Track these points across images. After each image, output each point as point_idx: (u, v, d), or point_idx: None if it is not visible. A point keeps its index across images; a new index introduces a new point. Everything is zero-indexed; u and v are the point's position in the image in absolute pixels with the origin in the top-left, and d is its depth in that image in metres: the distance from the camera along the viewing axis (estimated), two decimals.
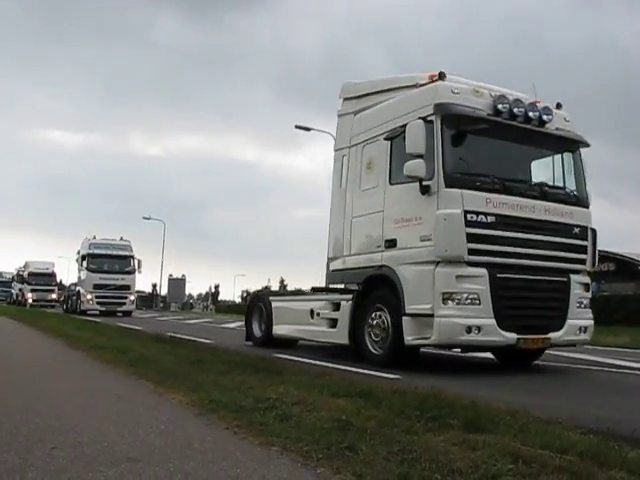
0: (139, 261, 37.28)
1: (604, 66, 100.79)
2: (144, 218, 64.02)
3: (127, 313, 35.20)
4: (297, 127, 37.37)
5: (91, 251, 35.07)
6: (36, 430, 4.39)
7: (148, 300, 77.84)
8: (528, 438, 4.03)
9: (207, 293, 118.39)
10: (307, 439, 3.96)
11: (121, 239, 37.78)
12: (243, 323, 18.79)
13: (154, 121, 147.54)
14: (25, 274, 57.12)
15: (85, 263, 35.05)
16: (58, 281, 60.91)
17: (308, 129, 37.11)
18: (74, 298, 36.68)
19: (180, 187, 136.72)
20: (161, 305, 75.31)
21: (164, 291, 77.05)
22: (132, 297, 36.48)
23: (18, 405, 5.39)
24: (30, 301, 53.65)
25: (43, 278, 56.23)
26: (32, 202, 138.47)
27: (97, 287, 34.02)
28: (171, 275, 76.14)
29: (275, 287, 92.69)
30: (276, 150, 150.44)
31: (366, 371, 8.13)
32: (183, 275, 79.75)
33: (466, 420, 4.48)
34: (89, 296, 33.77)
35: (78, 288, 36.24)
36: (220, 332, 17.60)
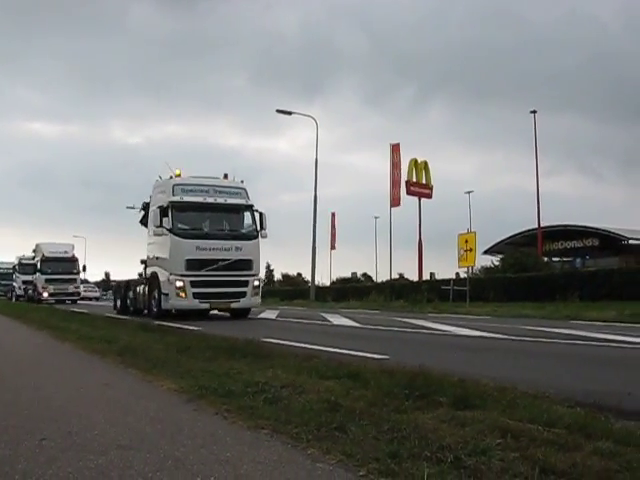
0: None
1: (584, 42, 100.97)
2: (128, 207, 63.48)
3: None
4: (278, 111, 37.31)
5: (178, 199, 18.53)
6: (25, 421, 4.38)
7: None
8: (516, 413, 4.06)
9: None
10: (296, 421, 3.98)
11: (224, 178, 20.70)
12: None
13: (134, 110, 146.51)
14: (37, 260, 45.36)
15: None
16: (81, 268, 47.80)
17: (289, 113, 37.05)
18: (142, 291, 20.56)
19: (163, 175, 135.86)
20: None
21: None
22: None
23: (7, 397, 5.37)
24: (46, 295, 43.10)
25: (62, 264, 44.58)
26: (11, 194, 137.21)
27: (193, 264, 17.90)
28: None
29: (262, 272, 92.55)
30: (258, 135, 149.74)
31: (354, 352, 8.15)
32: None
33: (454, 397, 4.50)
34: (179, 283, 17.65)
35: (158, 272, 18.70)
36: (207, 319, 17.61)
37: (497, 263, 46.57)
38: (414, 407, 4.32)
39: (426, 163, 48.46)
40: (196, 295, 17.77)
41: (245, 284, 18.46)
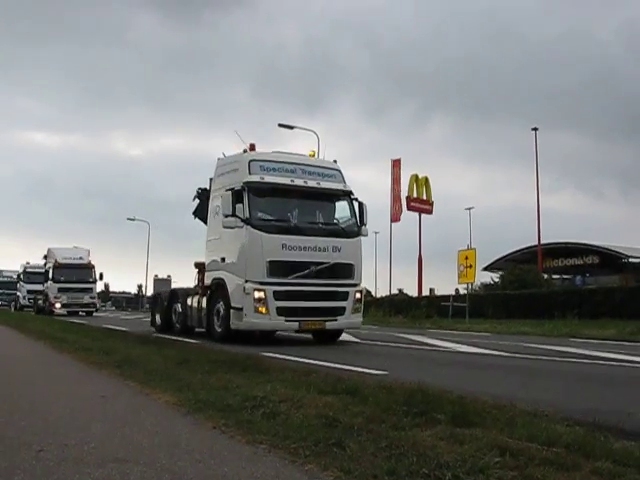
0: None
1: (584, 60, 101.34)
2: (128, 219, 63.76)
3: None
4: (280, 125, 37.35)
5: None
6: (23, 433, 4.36)
7: (134, 301, 77.44)
8: (515, 431, 4.05)
9: None
10: (294, 436, 3.96)
11: None
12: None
13: (135, 121, 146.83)
14: (49, 267, 40.06)
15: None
16: (98, 276, 41.02)
17: (291, 127, 37.11)
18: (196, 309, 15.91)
19: (163, 187, 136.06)
20: (147, 306, 74.88)
21: (150, 292, 76.61)
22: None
23: (4, 408, 5.35)
24: (58, 306, 38.14)
25: (76, 272, 39.28)
26: (12, 203, 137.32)
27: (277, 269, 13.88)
28: (156, 275, 75.51)
29: None
30: (259, 149, 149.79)
31: (352, 367, 8.13)
32: (169, 275, 78.98)
33: (453, 415, 4.49)
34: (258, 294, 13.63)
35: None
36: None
37: (497, 280, 46.65)
38: (412, 424, 4.31)
39: (427, 179, 48.55)
40: (281, 311, 13.05)
41: (344, 297, 13.74)
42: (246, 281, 12.95)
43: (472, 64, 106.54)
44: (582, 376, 8.31)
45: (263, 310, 12.85)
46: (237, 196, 13.31)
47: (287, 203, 14.19)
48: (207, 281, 14.77)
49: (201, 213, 16.49)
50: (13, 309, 51.77)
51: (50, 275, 39.14)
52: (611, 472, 3.26)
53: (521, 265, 47.17)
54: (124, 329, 18.33)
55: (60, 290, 38.41)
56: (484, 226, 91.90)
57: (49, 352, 11.21)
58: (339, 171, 14.78)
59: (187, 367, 7.60)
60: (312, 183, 14.02)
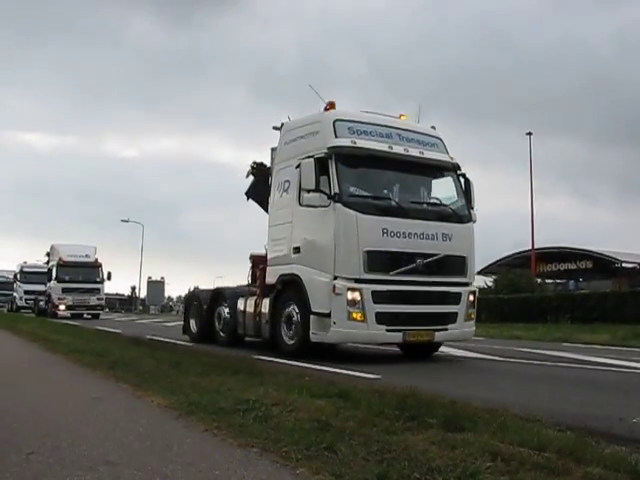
0: None
1: (578, 66, 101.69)
2: (122, 221, 63.72)
3: None
4: (275, 128, 37.29)
5: None
6: (13, 435, 4.35)
7: (127, 303, 77.43)
8: (506, 436, 4.06)
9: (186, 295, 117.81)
10: (286, 440, 3.96)
11: None
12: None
13: (129, 123, 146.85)
14: (53, 266, 36.77)
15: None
16: (106, 276, 37.50)
17: None
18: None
19: (157, 189, 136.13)
20: (140, 308, 74.90)
21: (143, 294, 76.69)
22: None
23: None
24: (62, 308, 34.95)
25: (82, 271, 36.14)
26: (6, 204, 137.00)
27: (377, 261, 10.59)
28: (150, 277, 75.72)
29: None
30: (253, 151, 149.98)
31: (345, 371, 8.13)
32: (162, 277, 79.28)
33: (445, 419, 4.50)
34: (352, 295, 10.08)
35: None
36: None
37: (490, 284, 46.59)
38: (404, 428, 4.31)
39: None
40: (381, 318, 9.89)
41: (456, 299, 10.85)
42: (335, 277, 9.88)
43: (467, 68, 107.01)
44: (574, 381, 8.33)
45: (359, 316, 9.75)
46: (321, 165, 10.23)
47: (384, 176, 11.18)
48: (270, 278, 11.57)
49: (257, 193, 13.63)
50: (6, 310, 50.37)
51: (54, 274, 35.94)
52: (602, 477, 3.27)
53: (515, 269, 47.25)
54: (117, 331, 18.26)
55: (65, 291, 35.12)
56: (477, 230, 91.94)
57: (42, 353, 11.17)
58: (441, 140, 11.73)
59: (180, 369, 7.59)
60: (414, 152, 10.95)
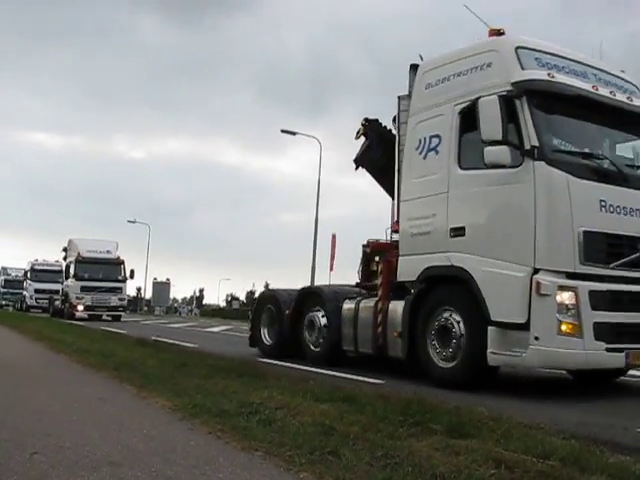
0: None
1: None
2: (129, 221, 63.76)
3: None
4: (283, 131, 37.35)
5: None
6: (17, 434, 4.36)
7: (132, 304, 77.41)
8: (511, 443, 4.04)
9: (192, 297, 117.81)
10: (290, 444, 3.96)
11: None
12: (227, 327, 18.80)
13: (137, 124, 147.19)
14: (71, 262, 33.05)
15: None
16: (129, 274, 33.85)
17: (294, 133, 37.10)
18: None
19: (164, 190, 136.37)
20: (145, 309, 74.85)
21: (148, 295, 76.66)
22: None
23: None
24: (81, 309, 31.32)
25: (103, 268, 32.48)
26: (14, 204, 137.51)
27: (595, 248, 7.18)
28: (155, 279, 75.57)
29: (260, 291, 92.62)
30: (260, 154, 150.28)
31: (349, 376, 8.13)
32: (168, 279, 79.03)
33: (449, 425, 4.48)
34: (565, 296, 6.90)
35: None
36: (204, 336, 17.50)
37: None
38: (408, 434, 4.31)
39: None
40: (600, 330, 6.89)
41: None
42: (536, 270, 6.96)
43: None
44: (578, 388, 8.30)
45: (572, 328, 6.80)
46: (507, 108, 7.20)
47: (589, 127, 8.12)
48: (405, 274, 8.64)
49: (372, 159, 10.98)
50: (13, 309, 49.12)
51: (71, 271, 32.42)
52: None
53: None
54: (122, 331, 18.27)
55: (83, 289, 31.44)
56: None
57: (47, 353, 11.19)
58: (638, 88, 8.70)
59: (184, 372, 7.59)
60: (622, 97, 8.02)
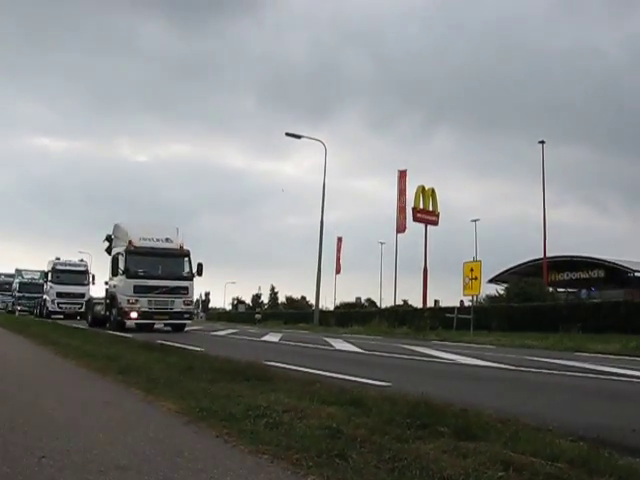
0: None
1: (588, 73, 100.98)
2: None
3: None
4: (288, 135, 37.46)
5: None
6: (25, 438, 4.36)
7: None
8: (519, 446, 4.03)
9: (197, 301, 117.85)
10: (297, 447, 3.95)
11: None
12: (234, 331, 18.85)
13: (141, 128, 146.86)
14: (119, 254, 24.69)
15: None
16: (196, 269, 25.23)
17: (299, 136, 37.19)
18: None
19: (169, 194, 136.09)
20: None
21: None
22: None
23: (7, 414, 5.35)
24: (134, 316, 23.76)
25: (163, 262, 24.72)
26: (17, 207, 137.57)
27: None
28: None
29: (266, 295, 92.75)
30: (264, 157, 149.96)
31: (356, 378, 8.11)
32: None
33: (457, 428, 4.48)
34: None
35: None
36: (211, 340, 17.49)
37: (502, 292, 46.51)
38: (416, 436, 4.29)
39: (433, 190, 48.52)
40: None
41: None
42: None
43: (477, 76, 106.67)
44: (586, 391, 8.28)
45: None
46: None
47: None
48: None
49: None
50: (29, 314, 45.34)
51: (120, 266, 24.10)
52: None
53: (526, 278, 47.09)
54: (128, 335, 18.27)
55: (138, 290, 23.53)
56: (489, 237, 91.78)
57: (53, 358, 11.20)
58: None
59: (191, 375, 7.59)
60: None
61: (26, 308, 49.22)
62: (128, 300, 23.71)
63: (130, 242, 24.43)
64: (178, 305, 24.26)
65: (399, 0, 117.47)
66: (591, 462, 3.68)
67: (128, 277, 23.92)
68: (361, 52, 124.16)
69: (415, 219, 47.00)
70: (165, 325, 25.08)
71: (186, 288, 24.68)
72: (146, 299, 23.72)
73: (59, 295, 41.02)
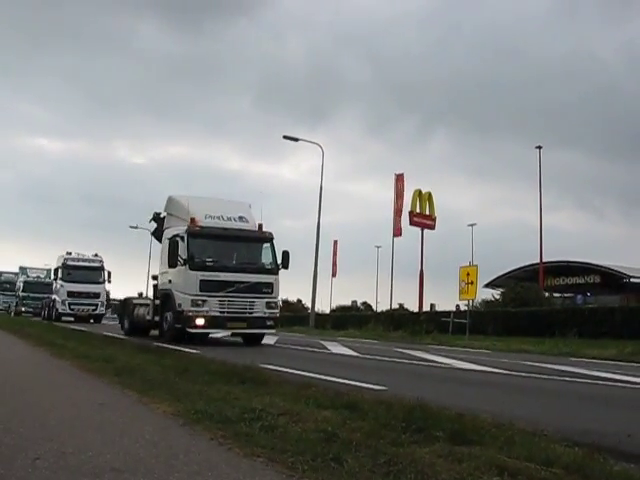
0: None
1: (584, 78, 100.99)
2: (131, 227, 63.53)
3: None
4: (285, 137, 37.43)
5: None
6: (20, 440, 4.34)
7: None
8: (514, 450, 4.03)
9: None
10: (293, 450, 3.95)
11: None
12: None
13: (138, 129, 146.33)
14: (175, 236, 17.56)
15: None
16: (280, 259, 18.19)
17: (296, 139, 37.19)
18: None
19: (166, 196, 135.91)
20: None
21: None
22: None
23: (1, 415, 5.33)
24: (201, 323, 16.85)
25: (236, 249, 18.46)
26: (14, 208, 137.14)
27: None
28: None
29: None
30: (261, 160, 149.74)
31: (352, 382, 8.11)
32: None
33: (452, 432, 4.48)
34: None
35: None
36: (206, 342, 17.38)
37: (498, 297, 46.49)
38: (411, 440, 4.29)
39: (430, 194, 48.47)
40: None
41: None
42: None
43: (474, 80, 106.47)
44: (581, 396, 8.28)
45: None
46: None
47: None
48: None
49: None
50: (33, 315, 41.84)
51: (181, 253, 17.26)
52: None
53: (522, 283, 47.08)
54: (124, 337, 18.23)
55: (205, 287, 17.05)
56: (485, 241, 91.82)
57: (49, 359, 11.18)
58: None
59: (186, 377, 7.59)
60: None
61: (31, 309, 45.32)
62: (192, 301, 16.89)
63: (193, 221, 17.69)
64: (259, 308, 17.57)
65: (396, 3, 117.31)
66: (586, 467, 3.68)
67: (192, 268, 17.11)
68: (358, 55, 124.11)
69: (412, 223, 46.94)
70: (232, 335, 19.10)
71: (270, 285, 17.93)
72: (216, 299, 17.05)
73: (70, 295, 35.98)
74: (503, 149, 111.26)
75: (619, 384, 9.70)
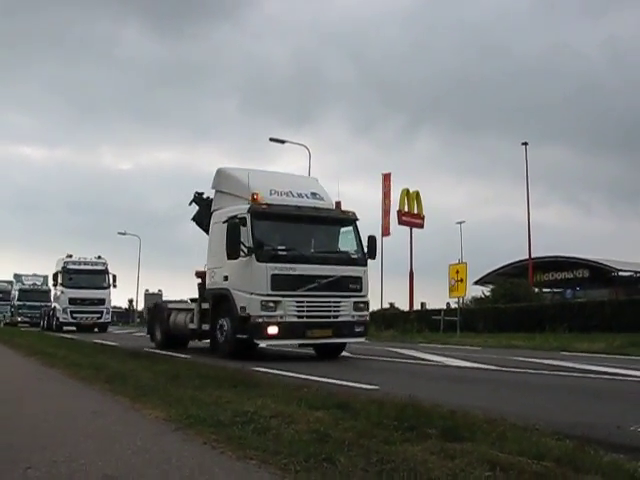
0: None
1: (569, 74, 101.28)
2: (119, 233, 63.47)
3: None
4: (272, 140, 37.35)
5: None
6: (11, 449, 4.33)
7: (124, 316, 77.10)
8: (505, 445, 4.05)
9: None
10: (285, 452, 3.95)
11: None
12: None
13: (124, 135, 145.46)
14: (236, 220, 13.04)
15: None
16: (366, 247, 14.14)
17: (283, 141, 37.12)
18: None
19: (154, 201, 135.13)
20: (138, 320, 74.56)
21: (141, 306, 76.24)
22: None
23: None
24: (274, 331, 12.61)
25: (314, 234, 14.14)
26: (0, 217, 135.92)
27: None
28: (147, 290, 75.26)
29: None
30: (249, 162, 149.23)
31: (343, 382, 8.12)
32: (159, 290, 78.73)
33: (444, 429, 4.49)
34: None
35: None
36: (197, 347, 17.35)
37: (488, 293, 46.59)
38: (403, 438, 4.31)
39: (418, 193, 48.51)
40: None
41: None
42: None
43: (459, 78, 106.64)
44: (572, 389, 8.33)
45: None
46: None
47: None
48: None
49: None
50: (30, 326, 38.61)
51: (244, 240, 12.99)
52: None
53: (512, 279, 47.23)
54: (114, 344, 18.16)
55: (278, 284, 12.82)
56: (473, 239, 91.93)
57: (39, 367, 11.13)
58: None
59: (177, 382, 7.57)
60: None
61: (27, 319, 42.38)
62: (262, 302, 12.79)
63: (255, 197, 13.52)
64: (346, 310, 13.54)
65: (379, 2, 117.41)
66: (577, 460, 3.71)
67: (260, 260, 12.99)
68: (342, 55, 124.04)
69: (400, 222, 46.96)
70: (305, 345, 14.54)
71: (358, 280, 13.92)
72: (293, 300, 13.05)
73: (72, 302, 32.67)
74: (489, 146, 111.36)
75: (608, 377, 9.76)
